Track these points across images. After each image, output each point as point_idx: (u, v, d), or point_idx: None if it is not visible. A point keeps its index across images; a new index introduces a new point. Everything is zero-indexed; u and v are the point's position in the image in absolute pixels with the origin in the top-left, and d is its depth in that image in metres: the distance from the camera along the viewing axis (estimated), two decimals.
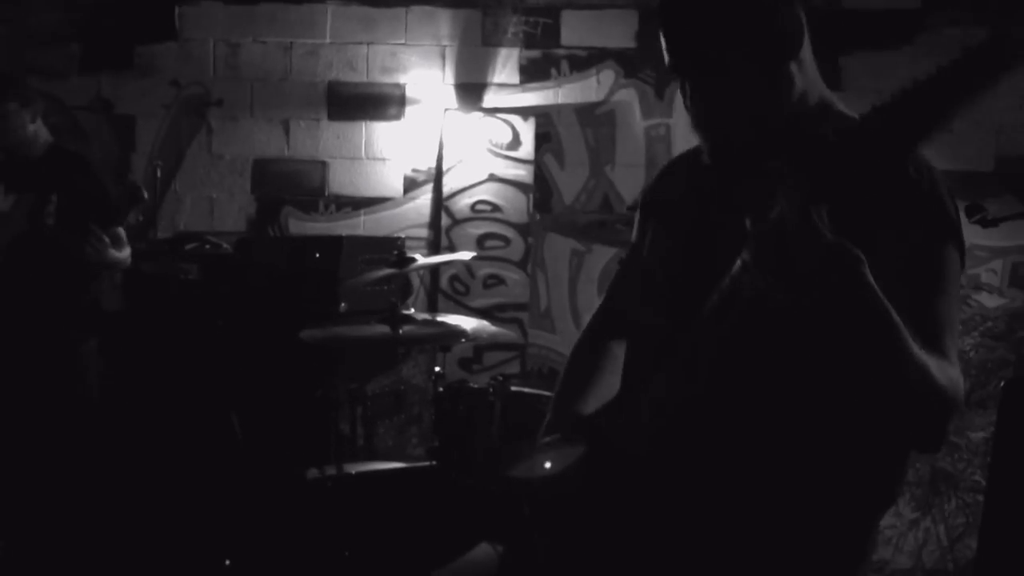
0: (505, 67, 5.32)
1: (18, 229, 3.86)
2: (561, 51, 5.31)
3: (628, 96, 5.30)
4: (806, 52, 1.56)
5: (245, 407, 2.99)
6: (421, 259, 3.53)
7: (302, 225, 5.40)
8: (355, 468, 2.85)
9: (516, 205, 5.33)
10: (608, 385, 1.75)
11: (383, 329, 3.13)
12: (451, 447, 2.85)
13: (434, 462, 2.91)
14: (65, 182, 3.82)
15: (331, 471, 2.79)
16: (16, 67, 5.29)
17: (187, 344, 3.83)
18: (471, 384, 3.15)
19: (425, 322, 3.19)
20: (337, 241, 4.12)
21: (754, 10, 1.48)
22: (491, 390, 2.87)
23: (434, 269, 5.24)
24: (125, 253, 3.89)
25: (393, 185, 5.38)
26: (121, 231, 3.83)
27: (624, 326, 1.80)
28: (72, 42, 5.32)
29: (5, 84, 3.95)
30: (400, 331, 3.12)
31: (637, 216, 1.88)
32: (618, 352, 1.79)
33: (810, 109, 1.56)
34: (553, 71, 5.31)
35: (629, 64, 5.29)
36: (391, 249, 4.07)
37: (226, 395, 2.92)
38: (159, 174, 5.07)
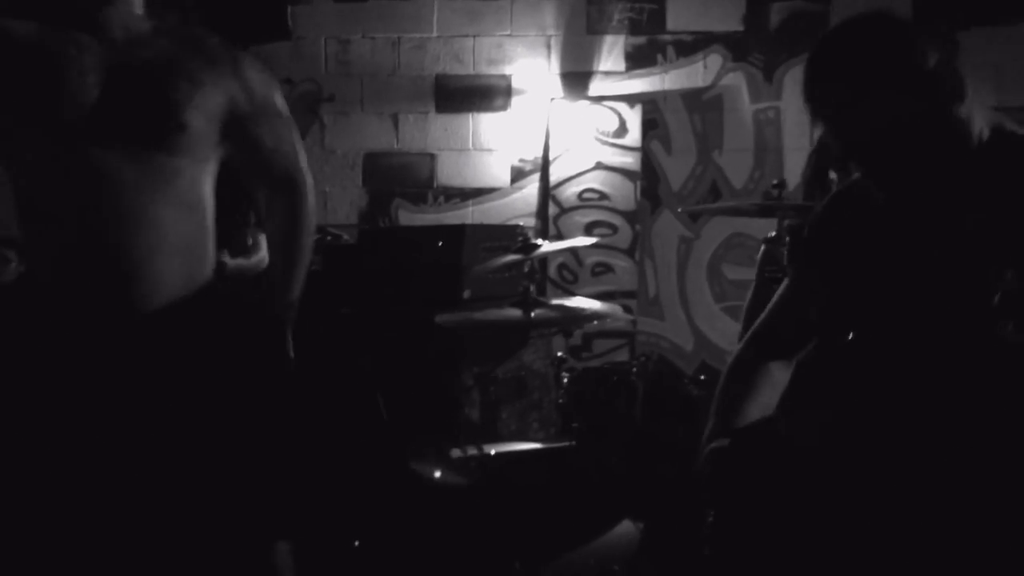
0: (611, 54, 5.33)
1: None
2: (667, 37, 5.30)
3: (736, 80, 5.26)
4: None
5: (386, 389, 3.08)
6: (546, 245, 3.57)
7: (412, 217, 5.50)
8: (494, 448, 2.92)
9: (623, 193, 5.34)
10: (766, 400, 1.83)
11: (515, 313, 3.18)
12: (591, 428, 2.89)
13: (572, 442, 2.96)
14: None
15: (472, 450, 2.86)
16: None
17: (315, 331, 3.94)
18: (605, 366, 3.18)
19: (555, 306, 3.24)
20: (459, 230, 4.18)
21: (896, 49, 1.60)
22: (634, 370, 2.90)
23: (543, 258, 5.28)
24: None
25: (500, 175, 5.44)
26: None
27: (786, 348, 1.89)
28: None
29: None
30: (532, 314, 3.17)
31: (802, 250, 2.05)
32: (777, 373, 1.87)
33: (985, 144, 1.63)
34: (659, 57, 5.30)
35: (736, 48, 5.25)
36: (511, 237, 4.12)
37: (368, 378, 3.02)
38: None
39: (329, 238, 4.56)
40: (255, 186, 2.00)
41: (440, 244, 3.97)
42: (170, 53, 1.80)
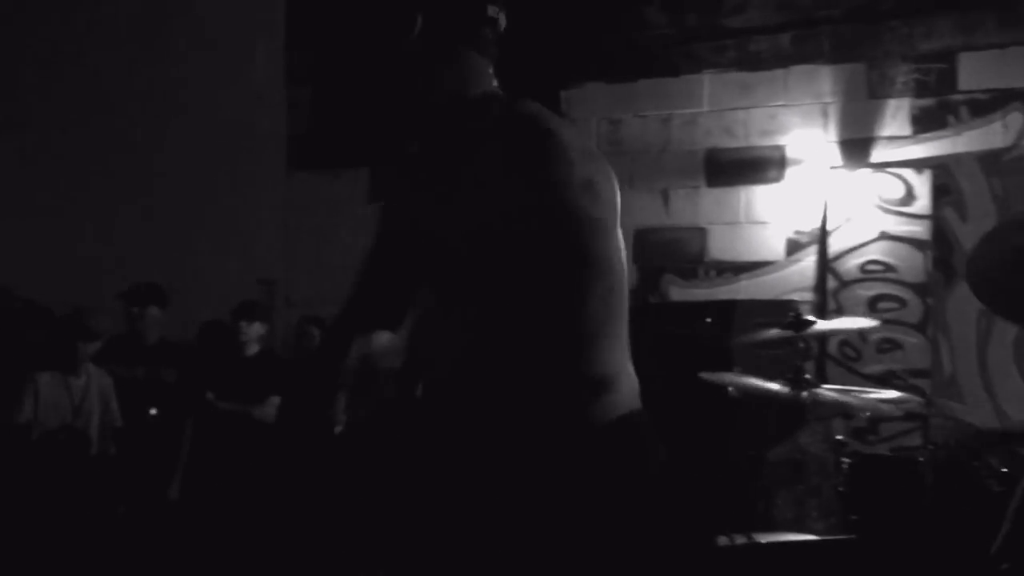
0: (895, 119, 5.02)
1: None
2: (958, 96, 4.91)
3: None
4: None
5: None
6: (821, 322, 3.37)
7: (683, 292, 5.41)
8: (765, 538, 2.74)
9: (911, 264, 4.96)
10: None
11: (784, 390, 3.01)
12: (873, 520, 2.64)
13: (853, 535, 2.72)
14: None
15: (741, 539, 2.70)
16: None
17: None
18: (887, 453, 2.91)
19: (832, 388, 3.02)
20: (729, 305, 4.06)
21: None
22: (920, 460, 2.63)
23: (822, 334, 5.00)
24: None
25: (775, 248, 5.24)
26: None
27: None
28: None
29: None
30: (803, 394, 2.98)
31: None
32: None
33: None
34: (950, 118, 4.91)
35: None
36: (785, 312, 3.93)
37: None
38: None
39: None
40: None
41: (709, 320, 3.87)
42: None
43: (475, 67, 1.63)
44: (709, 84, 5.35)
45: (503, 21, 1.66)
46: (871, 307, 4.97)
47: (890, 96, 5.02)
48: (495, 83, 1.73)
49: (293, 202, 6.16)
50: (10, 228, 6.52)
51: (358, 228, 6.02)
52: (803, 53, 5.17)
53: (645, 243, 5.47)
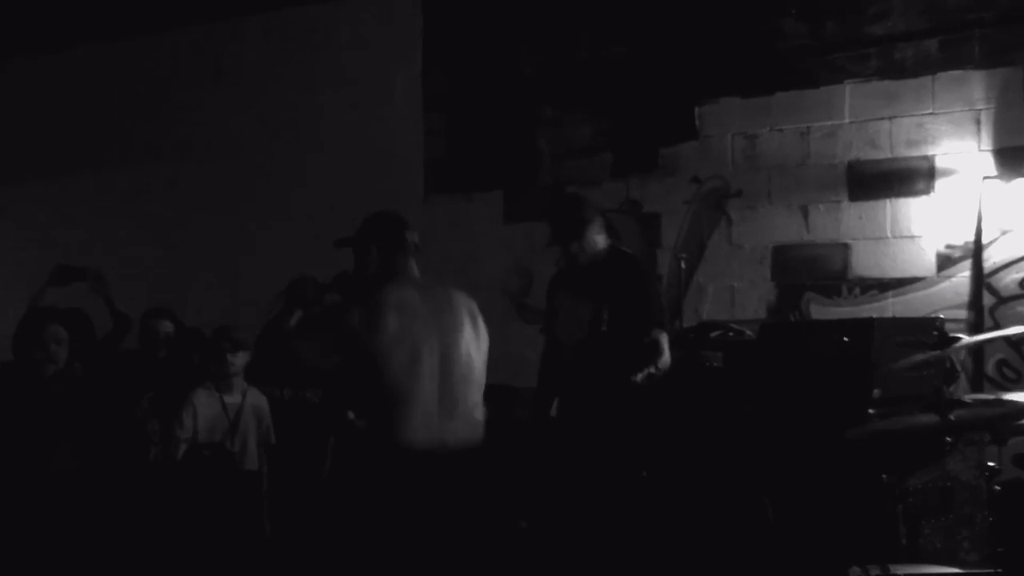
0: None
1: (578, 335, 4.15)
2: None
3: None
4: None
5: (778, 493, 2.88)
6: (966, 338, 3.16)
7: (824, 310, 5.19)
8: (902, 570, 2.57)
9: None
10: None
11: (929, 418, 2.83)
12: (1020, 553, 2.44)
13: (999, 570, 2.52)
14: (620, 289, 4.01)
15: (875, 571, 2.55)
16: (558, 178, 5.91)
17: (715, 428, 3.84)
18: None
19: (980, 403, 2.83)
20: (868, 323, 3.85)
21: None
22: None
23: (977, 353, 4.69)
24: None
25: (924, 264, 4.96)
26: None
27: None
28: (604, 151, 5.79)
29: (578, 210, 4.22)
30: (950, 417, 2.80)
31: None
32: None
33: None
34: None
35: None
36: (928, 330, 3.72)
37: (758, 479, 2.84)
38: (683, 266, 5.24)
39: (731, 334, 4.46)
40: None
41: (846, 339, 3.69)
42: None
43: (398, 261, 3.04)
44: (850, 94, 5.14)
45: (415, 239, 3.08)
46: None
47: None
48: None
49: (431, 226, 6.29)
50: (161, 255, 6.93)
51: (492, 249, 6.12)
52: (952, 58, 4.89)
53: (784, 260, 5.30)
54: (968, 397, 2.86)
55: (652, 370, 3.80)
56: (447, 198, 6.20)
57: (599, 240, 4.17)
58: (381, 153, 6.32)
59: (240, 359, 4.46)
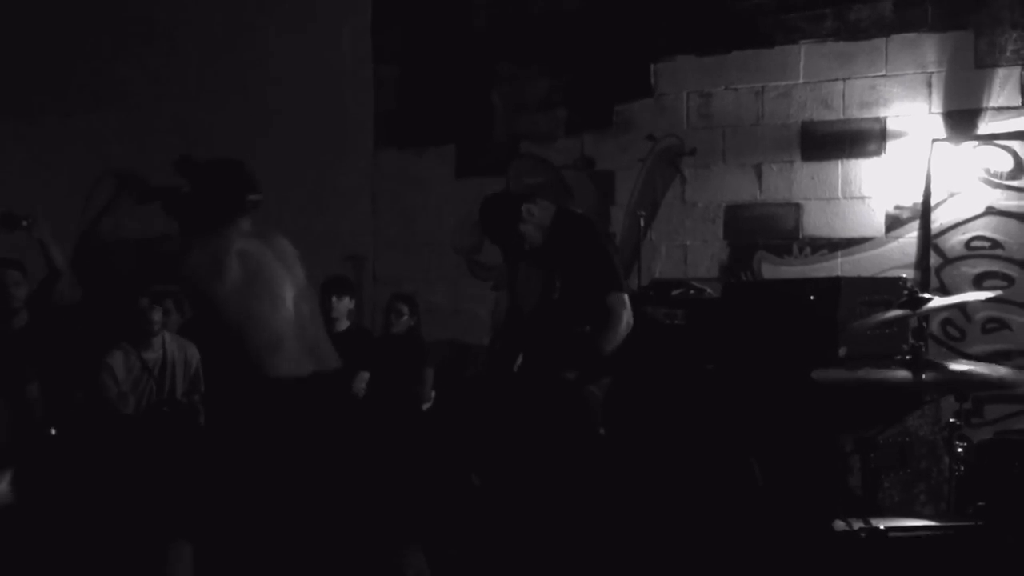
0: (1003, 89, 4.75)
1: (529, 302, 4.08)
2: None
3: None
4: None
5: (752, 450, 2.90)
6: (938, 300, 3.21)
7: (775, 269, 5.24)
8: (883, 523, 2.62)
9: (1020, 240, 4.70)
10: None
11: (903, 375, 2.86)
12: (1004, 506, 2.50)
13: (978, 522, 2.58)
14: (569, 255, 3.90)
15: (858, 524, 2.59)
16: (511, 133, 5.82)
17: (681, 386, 3.85)
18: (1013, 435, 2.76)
19: (952, 369, 2.87)
20: (834, 283, 3.89)
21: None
22: None
23: (924, 314, 4.80)
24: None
25: (873, 224, 5.03)
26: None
27: None
28: (559, 107, 5.71)
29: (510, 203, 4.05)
30: (924, 376, 2.84)
31: None
32: None
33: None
34: None
35: None
36: (893, 290, 3.77)
37: (737, 436, 2.86)
38: (642, 224, 5.22)
39: (692, 292, 4.46)
40: None
41: (812, 298, 3.72)
42: None
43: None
44: (805, 55, 5.15)
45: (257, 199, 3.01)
46: (977, 285, 4.75)
47: (999, 65, 4.75)
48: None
49: (381, 179, 6.14)
50: None
51: (444, 205, 6.01)
52: (905, 21, 4.93)
53: (737, 220, 5.32)
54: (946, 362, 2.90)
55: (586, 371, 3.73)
56: (397, 152, 6.05)
57: (539, 220, 3.90)
58: (329, 106, 6.13)
59: (159, 315, 4.32)
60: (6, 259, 4.38)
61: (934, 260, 4.86)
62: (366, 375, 5.15)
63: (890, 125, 4.98)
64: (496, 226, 3.88)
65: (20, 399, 3.81)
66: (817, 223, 5.14)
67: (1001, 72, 4.76)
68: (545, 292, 3.97)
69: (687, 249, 5.42)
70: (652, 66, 5.46)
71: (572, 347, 3.77)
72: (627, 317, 3.76)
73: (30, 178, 6.73)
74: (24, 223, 4.31)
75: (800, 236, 5.18)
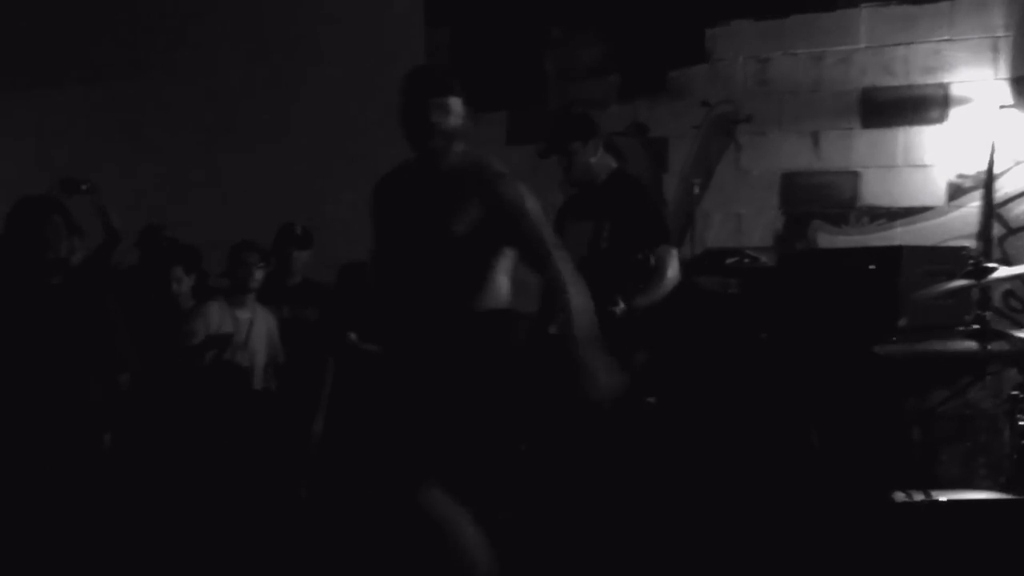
0: None
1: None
2: None
3: None
4: None
5: (813, 420, 2.86)
6: (1004, 269, 3.13)
7: (832, 239, 5.14)
8: (944, 495, 2.57)
9: None
10: None
11: (968, 345, 2.80)
12: None
13: None
14: (620, 207, 3.92)
15: (918, 496, 2.54)
16: (563, 100, 5.76)
17: (734, 355, 3.80)
18: None
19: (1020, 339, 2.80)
20: (895, 252, 3.80)
21: None
22: None
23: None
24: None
25: (934, 193, 4.91)
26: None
27: None
28: (612, 73, 5.64)
29: (571, 125, 4.12)
30: (989, 347, 2.77)
31: None
32: None
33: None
34: None
35: None
36: (956, 260, 3.68)
37: (797, 406, 2.82)
38: (696, 191, 5.15)
39: (747, 260, 4.40)
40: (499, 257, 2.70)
41: (872, 267, 3.65)
42: (457, 182, 2.66)
43: None
44: (867, 18, 5.02)
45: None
46: None
47: None
48: None
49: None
50: (157, 171, 6.72)
51: None
52: None
53: (793, 188, 5.23)
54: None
55: (635, 300, 3.69)
56: None
57: (592, 157, 3.95)
58: (381, 70, 6.10)
59: (261, 275, 4.35)
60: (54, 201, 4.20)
61: (997, 230, 4.73)
62: None
63: (954, 91, 4.84)
64: (556, 130, 3.97)
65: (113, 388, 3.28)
66: (876, 192, 5.03)
67: None
68: (593, 243, 3.96)
69: (741, 218, 5.34)
70: (707, 31, 5.36)
71: (626, 274, 3.77)
72: (674, 270, 3.76)
73: (89, 142, 6.84)
74: (84, 187, 4.38)
75: (858, 205, 5.07)
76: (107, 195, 4.71)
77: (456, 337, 2.61)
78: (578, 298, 2.61)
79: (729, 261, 4.36)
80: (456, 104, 2.79)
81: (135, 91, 6.81)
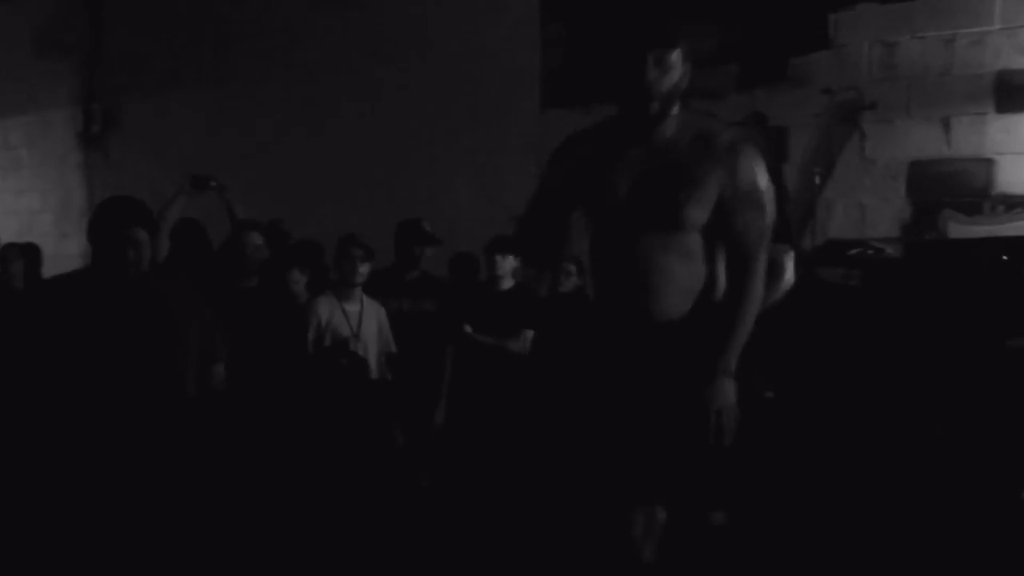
0: None
1: None
2: None
3: None
4: None
5: (940, 414, 2.75)
6: None
7: (964, 229, 4.91)
8: None
9: None
10: None
11: None
12: None
13: None
14: None
15: None
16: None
17: (859, 346, 3.69)
18: None
19: None
20: None
21: None
22: None
23: None
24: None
25: None
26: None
27: None
28: (730, 62, 5.54)
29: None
30: None
31: None
32: None
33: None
34: None
35: None
36: None
37: (924, 400, 2.71)
38: (817, 182, 5.02)
39: (871, 252, 4.27)
40: (720, 248, 2.35)
41: (1005, 258, 3.48)
42: (684, 157, 2.26)
43: None
44: None
45: None
46: None
47: None
48: None
49: (546, 139, 6.15)
50: (279, 167, 6.96)
51: None
52: None
53: (921, 176, 5.03)
54: None
55: None
56: (563, 111, 6.03)
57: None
58: (495, 65, 6.18)
59: (366, 269, 4.44)
60: (246, 220, 4.34)
61: None
62: (530, 333, 5.19)
63: None
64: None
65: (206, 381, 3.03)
66: (1011, 179, 4.79)
67: None
68: None
69: (865, 208, 5.18)
70: (830, 16, 5.21)
71: None
72: (791, 273, 3.65)
73: (211, 140, 7.15)
74: (213, 184, 4.56)
75: (992, 193, 4.84)
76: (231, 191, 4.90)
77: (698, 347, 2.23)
78: (751, 318, 2.26)
79: (852, 252, 4.23)
80: (678, 58, 2.25)
81: (256, 94, 7.07)
